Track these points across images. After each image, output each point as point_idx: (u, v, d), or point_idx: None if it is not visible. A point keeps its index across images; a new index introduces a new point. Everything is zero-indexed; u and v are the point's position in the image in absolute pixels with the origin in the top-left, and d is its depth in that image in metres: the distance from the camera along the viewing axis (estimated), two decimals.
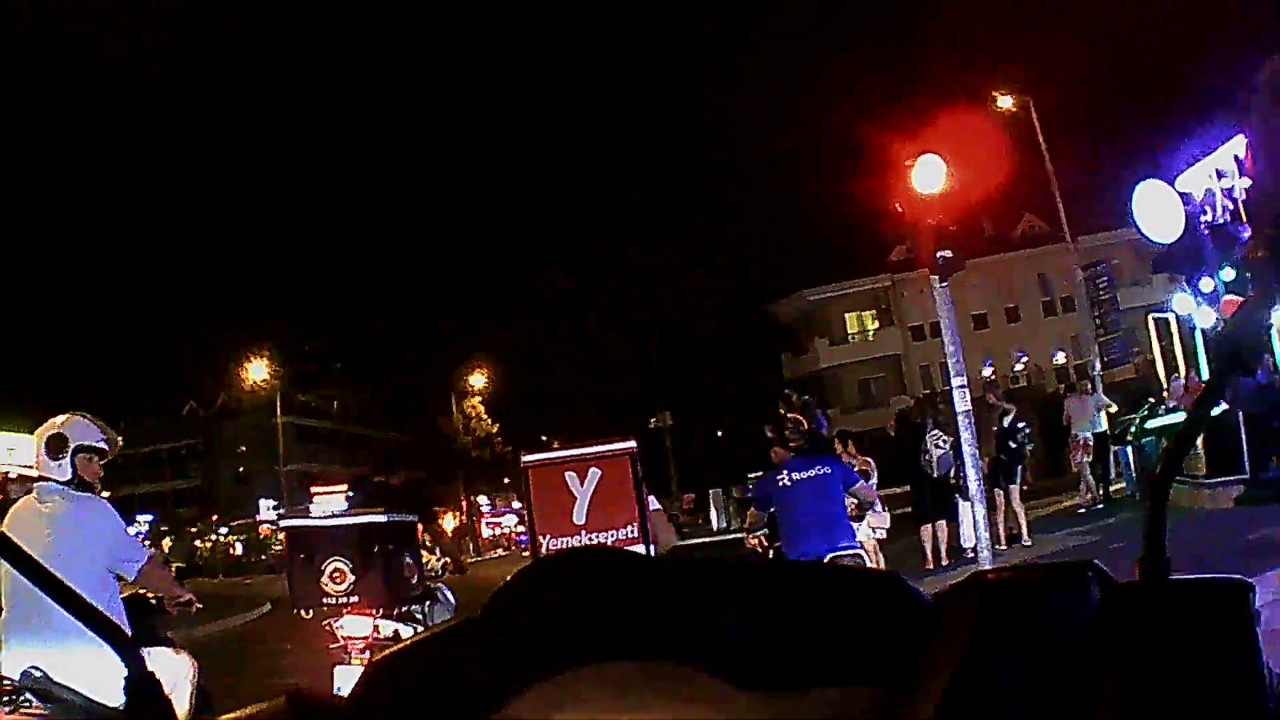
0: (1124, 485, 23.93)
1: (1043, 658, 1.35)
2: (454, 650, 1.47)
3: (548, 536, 7.63)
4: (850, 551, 9.17)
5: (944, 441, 16.48)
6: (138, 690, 1.43)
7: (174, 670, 6.39)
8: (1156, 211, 18.92)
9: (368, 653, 8.32)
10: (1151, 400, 23.69)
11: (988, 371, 57.89)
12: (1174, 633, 1.36)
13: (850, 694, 1.40)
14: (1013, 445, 18.35)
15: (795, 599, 1.52)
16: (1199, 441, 18.08)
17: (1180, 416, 20.03)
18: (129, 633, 6.16)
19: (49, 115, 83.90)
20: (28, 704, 5.56)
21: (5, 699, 5.54)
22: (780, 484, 9.23)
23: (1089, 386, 24.98)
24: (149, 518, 65.47)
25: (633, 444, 8.68)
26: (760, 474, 10.57)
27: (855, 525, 10.16)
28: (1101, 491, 23.33)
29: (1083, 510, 22.14)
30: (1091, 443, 22.57)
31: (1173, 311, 24.93)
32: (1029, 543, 17.68)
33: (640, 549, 8.31)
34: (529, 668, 1.37)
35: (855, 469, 12.12)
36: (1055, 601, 1.41)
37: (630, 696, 1.37)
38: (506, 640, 1.43)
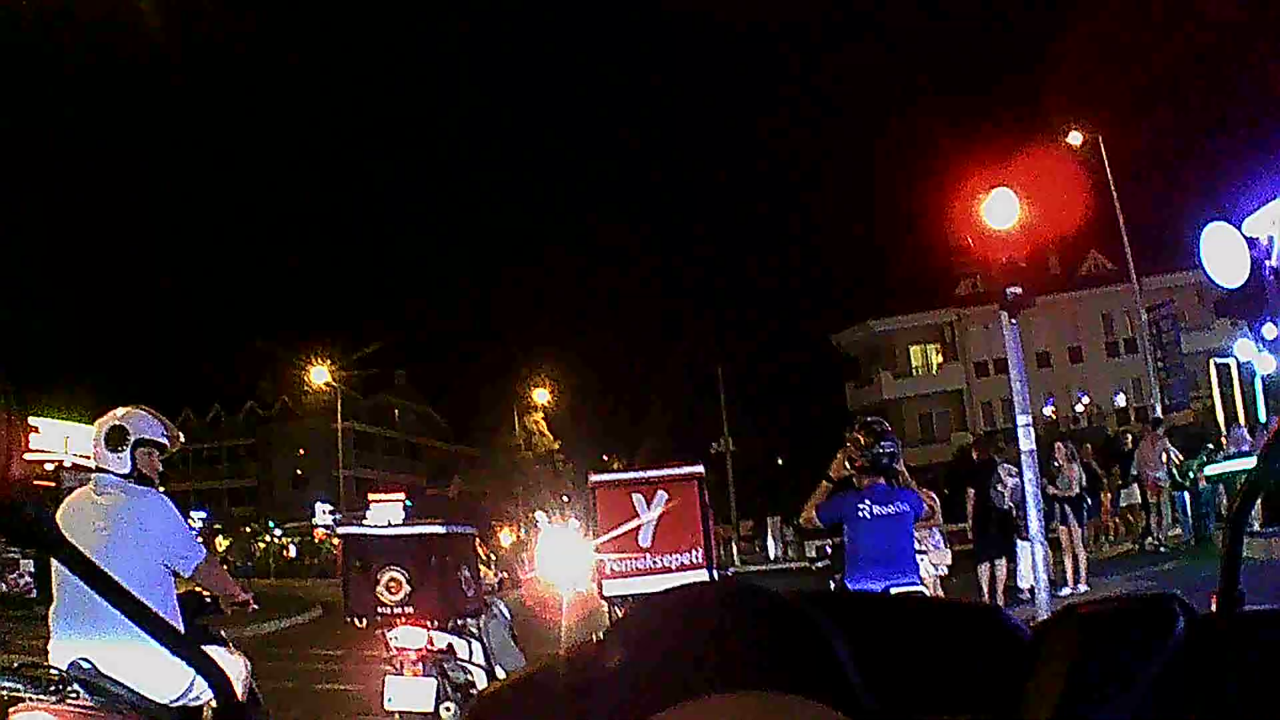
0: (1180, 532, 23.55)
1: (1139, 688, 1.38)
2: (570, 681, 1.41)
3: (611, 556, 7.51)
4: (913, 587, 8.97)
5: (1015, 473, 16.27)
6: (213, 687, 1.42)
7: (227, 669, 6.18)
8: (1223, 254, 18.59)
9: (420, 664, 8.25)
10: (1210, 446, 23.39)
11: (1048, 410, 57.47)
12: (1251, 661, 1.42)
13: None
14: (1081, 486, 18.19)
15: (898, 630, 1.52)
16: None
17: (1241, 463, 19.76)
18: (182, 630, 6.09)
19: (129, 118, 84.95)
20: (74, 695, 5.46)
21: (51, 689, 5.43)
22: (860, 514, 9.01)
23: (1159, 431, 24.61)
24: (203, 515, 65.82)
25: (700, 468, 8.55)
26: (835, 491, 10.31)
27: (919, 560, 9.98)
28: (1157, 538, 23.11)
29: (1161, 547, 21.94)
30: (1164, 484, 22.31)
31: (1234, 357, 24.64)
32: (1085, 588, 17.39)
33: (704, 574, 8.19)
34: (649, 700, 1.30)
35: (920, 500, 11.96)
36: (1148, 633, 1.43)
37: None
38: (626, 672, 1.36)
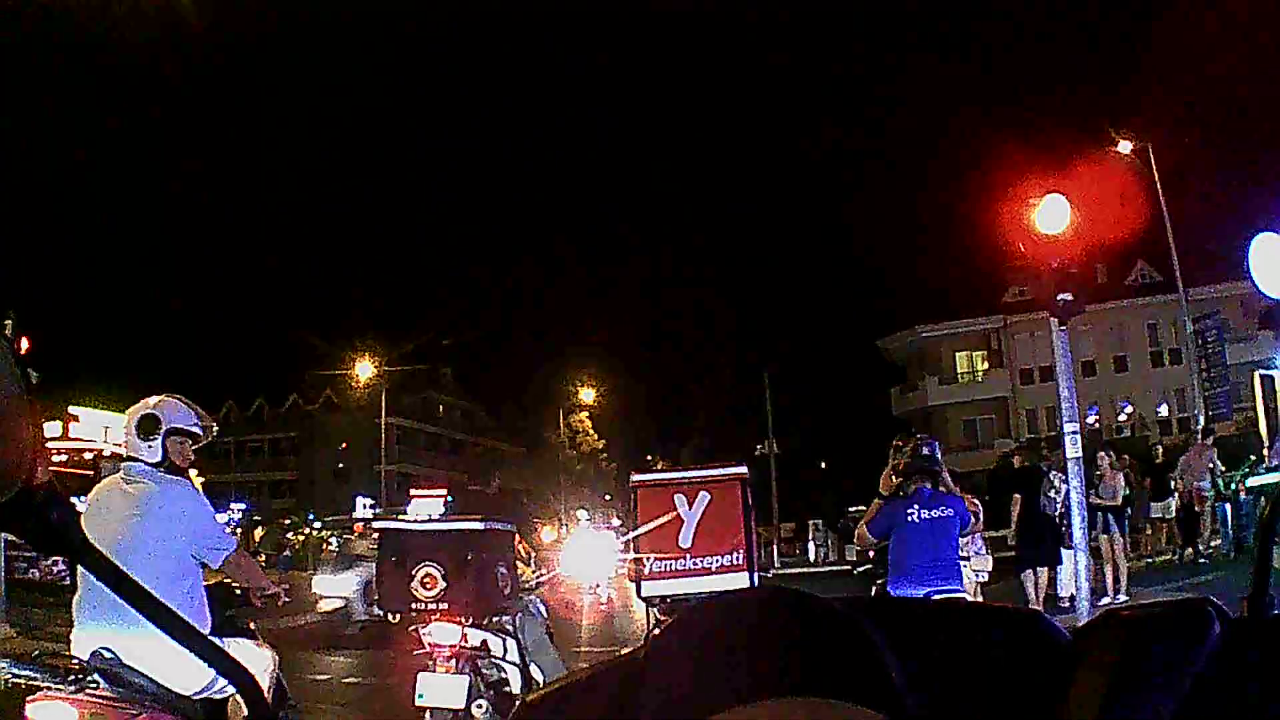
0: (1219, 543, 23.39)
1: (1179, 690, 1.40)
2: (616, 689, 1.40)
3: (651, 557, 7.39)
4: (956, 594, 8.89)
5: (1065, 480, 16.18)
6: (235, 682, 1.41)
7: (254, 662, 6.24)
8: (1272, 265, 18.38)
9: (454, 661, 8.14)
10: (1253, 458, 23.20)
11: (1092, 419, 57.12)
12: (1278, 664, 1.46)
13: None
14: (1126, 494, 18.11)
15: (942, 635, 1.54)
16: None
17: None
18: (209, 620, 6.10)
19: (177, 111, 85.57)
20: (94, 685, 5.39)
21: (72, 679, 5.35)
22: (909, 518, 8.92)
23: (1208, 441, 24.37)
24: (242, 506, 66.20)
25: (744, 469, 8.41)
26: (864, 508, 10.27)
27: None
28: (1197, 549, 23.00)
29: (1201, 559, 21.81)
30: (1208, 494, 22.15)
31: (1278, 369, 24.38)
32: (1125, 598, 17.20)
33: (745, 576, 8.06)
34: (696, 708, 1.24)
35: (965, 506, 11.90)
36: (1186, 637, 1.45)
37: None
38: (672, 680, 1.30)
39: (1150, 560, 23.74)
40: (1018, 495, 17.25)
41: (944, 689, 1.42)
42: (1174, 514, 24.00)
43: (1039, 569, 16.79)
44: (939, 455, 9.51)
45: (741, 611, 1.33)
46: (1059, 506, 16.33)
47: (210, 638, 1.34)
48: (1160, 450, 25.59)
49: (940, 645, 1.50)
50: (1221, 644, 1.44)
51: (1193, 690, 1.39)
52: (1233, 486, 22.51)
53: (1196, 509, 22.74)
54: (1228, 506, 22.81)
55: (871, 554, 10.20)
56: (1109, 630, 1.50)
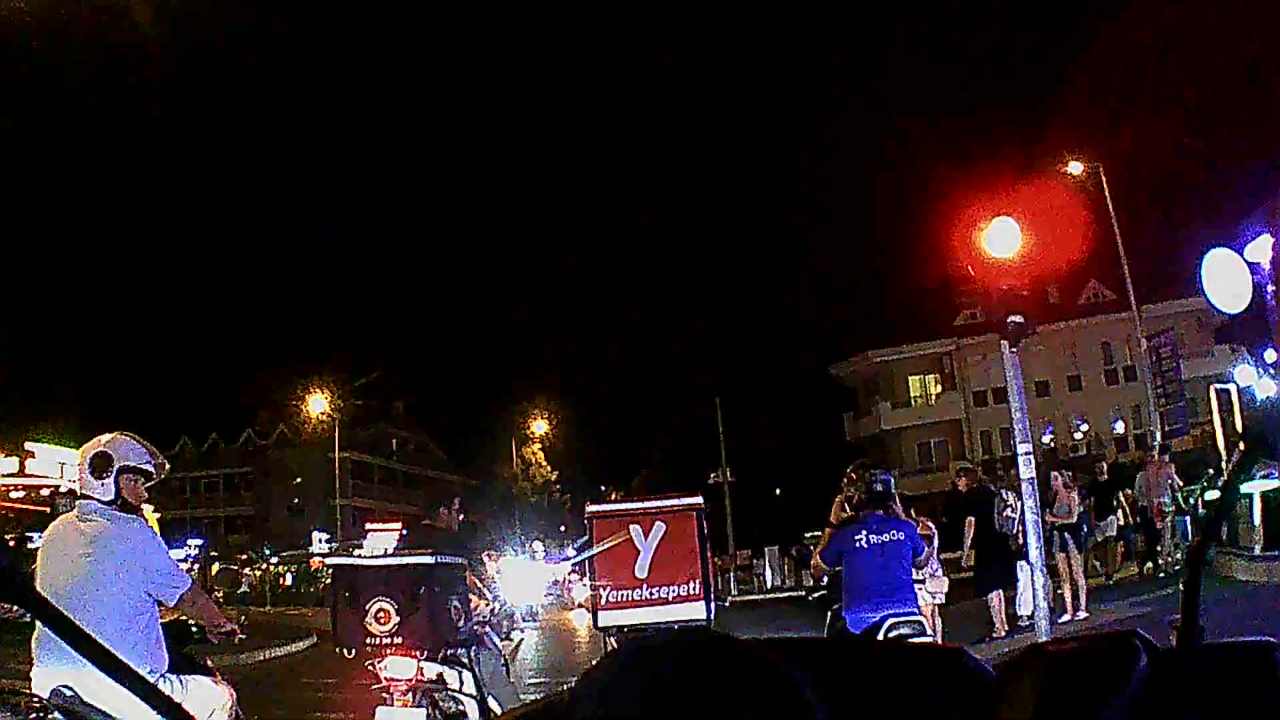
0: (1180, 557, 23.39)
1: None
2: None
3: (608, 588, 7.42)
4: (911, 617, 8.92)
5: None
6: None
7: (211, 700, 6.26)
8: (1224, 280, 18.55)
9: (410, 694, 8.16)
10: (1211, 472, 23.42)
11: (1047, 439, 57.47)
12: (1207, 694, 1.47)
13: None
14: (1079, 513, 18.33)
15: (865, 676, 1.59)
16: (1257, 517, 18.92)
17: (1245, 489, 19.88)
18: (166, 658, 6.09)
19: (132, 144, 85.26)
20: None
21: (32, 717, 5.34)
22: (857, 543, 8.97)
23: (1164, 458, 24.55)
24: (199, 542, 65.74)
25: (699, 499, 8.45)
26: (819, 534, 10.32)
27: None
28: (1158, 563, 23.24)
29: (1161, 573, 22.11)
30: (1169, 509, 22.36)
31: (1234, 383, 24.58)
32: (1084, 615, 17.42)
33: (701, 606, 8.09)
34: None
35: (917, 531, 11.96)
36: (1107, 671, 1.47)
37: None
38: None
39: (1119, 575, 23.88)
40: (971, 518, 17.32)
41: None
42: (1115, 532, 24.13)
43: (998, 590, 16.82)
44: (893, 489, 9.58)
45: (660, 657, 1.36)
46: (1015, 526, 16.43)
47: (149, 679, 1.36)
48: (1105, 467, 25.72)
49: (864, 685, 1.53)
50: (1148, 676, 1.46)
51: None
52: (1192, 501, 22.78)
53: (1157, 524, 22.90)
54: (1188, 520, 22.95)
55: (825, 580, 10.24)
56: (1031, 665, 1.52)
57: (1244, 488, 20.33)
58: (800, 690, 1.34)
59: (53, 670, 5.56)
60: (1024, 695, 1.46)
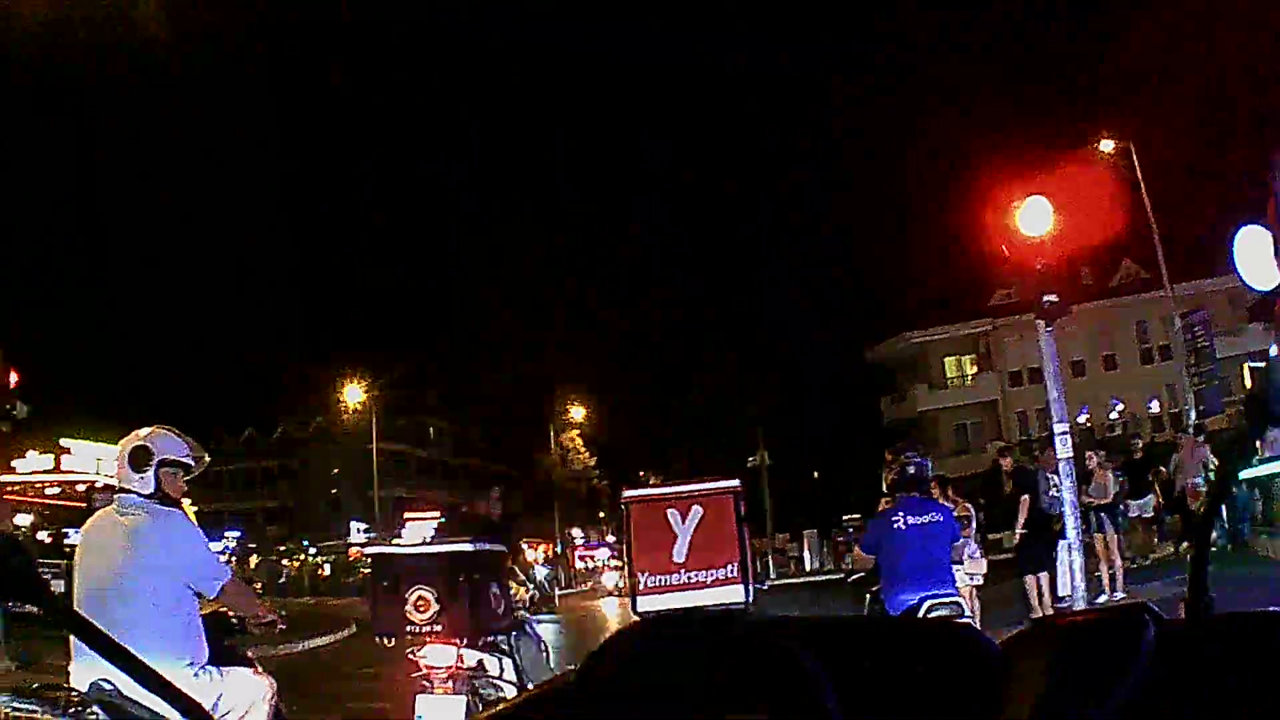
0: (1215, 537, 23.19)
1: (1106, 699, 1.41)
2: (551, 713, 1.45)
3: (646, 573, 7.41)
4: (950, 598, 8.91)
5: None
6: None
7: (251, 690, 6.27)
8: (1257, 258, 18.43)
9: (450, 682, 8.17)
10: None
11: (1083, 419, 57.18)
12: (1217, 664, 1.46)
13: None
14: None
15: (873, 652, 1.59)
16: None
17: (1275, 466, 19.75)
18: (206, 650, 6.12)
19: (167, 139, 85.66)
20: (94, 717, 5.41)
21: (72, 712, 5.37)
22: (895, 527, 8.98)
23: (1199, 439, 24.39)
24: (237, 534, 66.20)
25: (737, 483, 8.43)
26: (858, 516, 10.34)
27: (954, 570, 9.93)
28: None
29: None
30: (1203, 490, 22.19)
31: (1268, 361, 24.38)
32: (1122, 595, 17.32)
33: (740, 589, 8.09)
34: None
35: (955, 513, 11.91)
36: (1114, 645, 1.47)
37: None
38: (602, 703, 1.39)
39: (1139, 560, 23.73)
40: (1025, 497, 17.18)
41: (875, 704, 1.46)
42: (1152, 512, 24.03)
43: (1040, 574, 16.70)
44: (928, 471, 9.58)
45: (669, 635, 1.43)
46: (1060, 507, 16.34)
47: (186, 671, 1.38)
48: (1140, 445, 25.54)
49: (871, 662, 1.53)
50: (1156, 650, 1.46)
51: (1126, 697, 1.41)
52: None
53: (1192, 505, 22.75)
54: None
55: (871, 562, 10.23)
56: (1039, 641, 1.55)
57: (1267, 469, 20.29)
58: (809, 668, 1.37)
59: (91, 665, 5.56)
60: (1033, 670, 1.48)
